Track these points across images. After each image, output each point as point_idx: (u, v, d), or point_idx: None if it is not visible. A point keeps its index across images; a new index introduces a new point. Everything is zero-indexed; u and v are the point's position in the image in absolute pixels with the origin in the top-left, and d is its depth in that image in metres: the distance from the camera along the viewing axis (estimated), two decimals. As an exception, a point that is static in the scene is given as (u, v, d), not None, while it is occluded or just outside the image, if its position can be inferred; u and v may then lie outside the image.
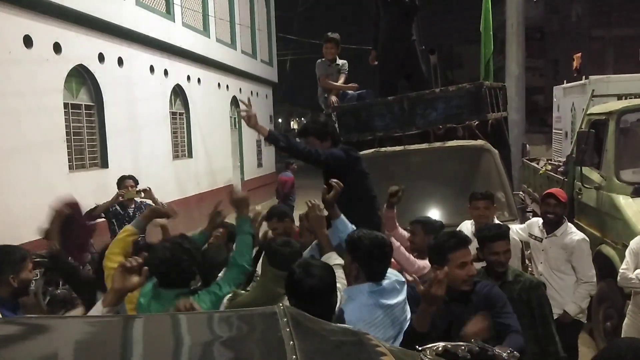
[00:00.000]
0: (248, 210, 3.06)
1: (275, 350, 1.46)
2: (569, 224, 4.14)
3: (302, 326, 1.63)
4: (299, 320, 1.66)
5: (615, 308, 4.81)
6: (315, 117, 4.02)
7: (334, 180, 3.07)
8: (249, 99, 3.48)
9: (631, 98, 6.40)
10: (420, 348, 1.60)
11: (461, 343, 1.61)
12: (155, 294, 2.65)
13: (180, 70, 13.17)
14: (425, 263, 3.46)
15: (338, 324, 1.81)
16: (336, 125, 5.61)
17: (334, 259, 2.93)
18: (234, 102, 17.12)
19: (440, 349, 1.59)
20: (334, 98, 5.84)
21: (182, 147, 13.60)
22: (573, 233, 4.04)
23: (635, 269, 4.00)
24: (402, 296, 2.62)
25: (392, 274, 2.68)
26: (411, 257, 3.62)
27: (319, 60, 5.99)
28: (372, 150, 5.48)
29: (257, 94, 19.69)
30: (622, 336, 4.25)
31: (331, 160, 3.51)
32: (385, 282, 2.59)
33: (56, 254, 3.76)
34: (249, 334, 1.66)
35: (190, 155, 13.83)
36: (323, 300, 2.27)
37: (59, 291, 6.93)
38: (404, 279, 2.75)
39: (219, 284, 2.72)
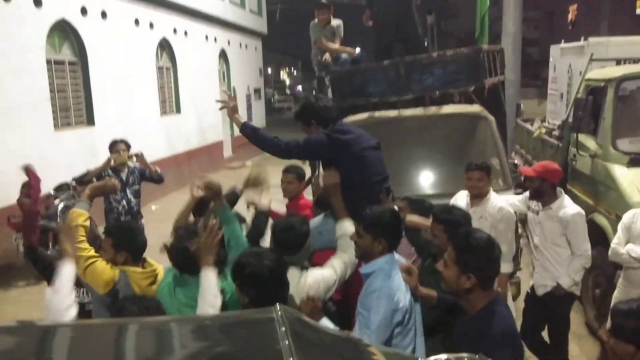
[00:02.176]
0: (222, 197, 3.06)
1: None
2: (566, 196, 4.09)
3: (302, 337, 1.59)
4: (298, 330, 1.61)
5: (605, 276, 4.86)
6: (303, 102, 3.73)
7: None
8: (234, 89, 3.35)
9: (630, 63, 6.26)
10: (422, 360, 1.56)
11: (463, 354, 1.58)
12: (180, 281, 2.66)
13: (166, 23, 12.74)
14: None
15: (337, 331, 1.76)
16: (329, 90, 5.47)
17: (348, 226, 3.03)
18: (222, 55, 16.69)
19: (443, 360, 1.56)
20: (328, 56, 5.68)
21: (169, 102, 13.32)
22: (568, 207, 3.99)
23: (627, 243, 4.00)
24: None
25: None
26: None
27: (313, 23, 5.79)
28: (366, 115, 5.36)
29: (246, 46, 19.19)
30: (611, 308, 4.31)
31: (304, 151, 3.34)
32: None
33: (32, 246, 3.70)
34: (246, 345, 1.60)
35: (178, 111, 13.57)
36: (276, 284, 2.36)
37: (49, 252, 6.90)
38: None
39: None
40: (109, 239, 3.02)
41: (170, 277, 2.71)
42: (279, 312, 1.69)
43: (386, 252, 2.67)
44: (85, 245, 2.86)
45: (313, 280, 2.76)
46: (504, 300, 2.50)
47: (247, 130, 3.34)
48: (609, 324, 2.47)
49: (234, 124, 3.51)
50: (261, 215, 3.30)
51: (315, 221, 3.46)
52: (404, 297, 2.56)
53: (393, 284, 2.56)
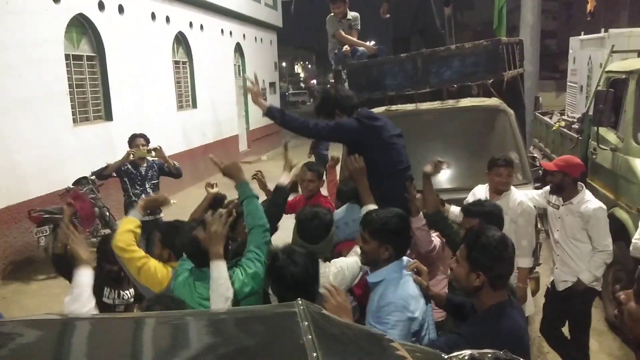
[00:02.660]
0: (242, 174, 2.98)
1: (297, 361, 1.42)
2: (587, 191, 4.03)
3: (325, 332, 1.58)
4: (320, 325, 1.61)
5: (625, 271, 4.80)
6: (321, 95, 3.62)
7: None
8: (255, 75, 3.33)
9: (652, 54, 6.15)
10: (446, 356, 1.55)
11: (488, 351, 1.57)
12: (198, 275, 2.63)
13: (182, 17, 12.79)
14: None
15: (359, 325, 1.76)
16: (346, 83, 5.44)
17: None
18: (238, 49, 16.72)
19: (466, 357, 1.55)
20: (347, 48, 5.65)
21: (186, 97, 13.39)
22: (590, 201, 3.93)
23: None
24: None
25: None
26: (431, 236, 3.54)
27: (329, 16, 5.76)
28: (383, 109, 5.32)
29: (261, 39, 19.19)
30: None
31: (334, 132, 3.24)
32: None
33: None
34: (268, 339, 1.60)
35: (194, 105, 13.63)
36: (304, 289, 2.28)
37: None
38: None
39: (244, 264, 2.66)
40: (160, 234, 3.18)
41: (187, 272, 2.69)
42: (301, 307, 1.69)
43: (393, 258, 2.56)
44: (136, 247, 2.89)
45: (337, 269, 2.75)
46: (519, 306, 2.38)
47: (274, 113, 3.27)
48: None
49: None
50: (279, 191, 3.19)
51: (339, 212, 3.44)
52: (419, 305, 2.47)
53: (406, 293, 2.46)
